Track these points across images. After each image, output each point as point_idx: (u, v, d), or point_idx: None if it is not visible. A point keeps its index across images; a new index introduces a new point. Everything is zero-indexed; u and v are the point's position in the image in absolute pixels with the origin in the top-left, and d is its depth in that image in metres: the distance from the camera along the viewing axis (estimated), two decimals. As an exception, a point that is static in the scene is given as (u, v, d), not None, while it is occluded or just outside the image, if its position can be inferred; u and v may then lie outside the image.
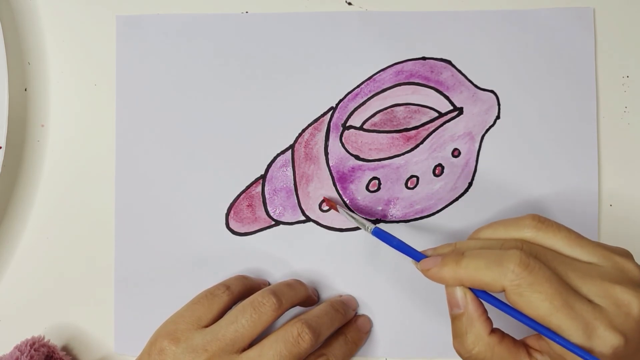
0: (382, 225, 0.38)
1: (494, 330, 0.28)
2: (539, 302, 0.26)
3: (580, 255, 0.28)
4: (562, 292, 0.26)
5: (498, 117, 0.38)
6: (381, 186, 0.38)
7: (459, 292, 0.28)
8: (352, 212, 0.37)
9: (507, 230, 0.29)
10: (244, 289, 0.35)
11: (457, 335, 0.29)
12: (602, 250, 0.28)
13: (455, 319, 0.29)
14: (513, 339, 0.29)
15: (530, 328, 0.27)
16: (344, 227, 0.38)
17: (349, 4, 0.39)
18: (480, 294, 0.28)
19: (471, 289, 0.28)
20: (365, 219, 0.37)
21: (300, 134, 0.38)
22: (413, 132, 0.38)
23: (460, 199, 0.38)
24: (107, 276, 0.38)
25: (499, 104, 0.38)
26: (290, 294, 0.34)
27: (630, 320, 0.26)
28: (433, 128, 0.38)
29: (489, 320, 0.28)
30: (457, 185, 0.38)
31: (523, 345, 0.28)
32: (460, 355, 0.29)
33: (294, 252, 0.38)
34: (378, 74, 0.38)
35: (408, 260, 0.31)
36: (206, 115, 0.38)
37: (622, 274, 0.27)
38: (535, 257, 0.27)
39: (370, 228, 0.33)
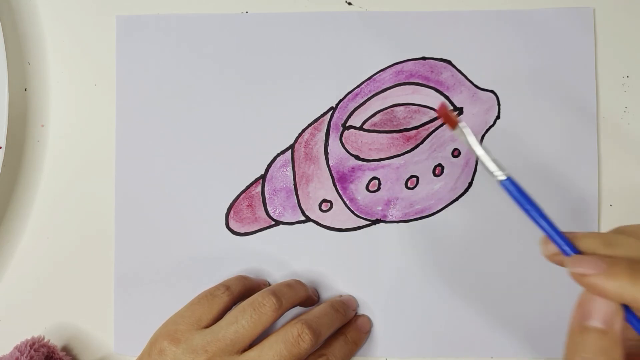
0: (382, 225, 0.38)
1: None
2: None
3: None
4: None
5: (498, 117, 0.38)
6: (381, 186, 0.38)
7: (610, 308, 0.22)
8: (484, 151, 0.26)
9: None
10: (244, 289, 0.35)
11: (585, 351, 0.22)
12: None
13: (591, 333, 0.22)
14: None
15: None
16: (343, 227, 0.38)
17: (349, 4, 0.39)
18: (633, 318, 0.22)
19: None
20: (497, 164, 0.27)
21: (300, 134, 0.38)
22: (413, 132, 0.38)
23: (460, 199, 0.38)
24: (107, 276, 0.38)
25: (499, 104, 0.38)
26: (290, 294, 0.34)
27: None
28: (433, 128, 0.38)
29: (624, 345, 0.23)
30: (457, 185, 0.38)
31: None
32: None
33: (294, 252, 0.38)
34: (378, 74, 0.38)
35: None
36: (206, 115, 0.38)
37: None
38: None
39: (502, 177, 0.25)
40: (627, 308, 0.22)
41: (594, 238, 0.23)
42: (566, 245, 0.23)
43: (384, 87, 0.38)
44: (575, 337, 0.23)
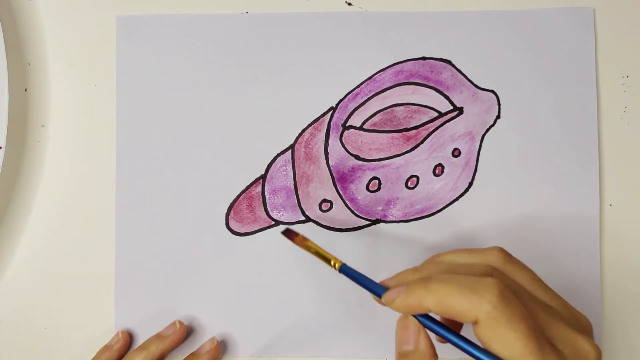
0: (382, 225, 0.38)
1: None
2: (512, 340, 0.24)
3: (542, 298, 0.27)
4: (536, 333, 0.24)
5: (498, 116, 0.38)
6: (381, 186, 0.38)
7: (412, 326, 0.27)
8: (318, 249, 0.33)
9: (473, 258, 0.28)
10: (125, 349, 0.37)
11: None
12: (561, 299, 0.27)
13: (403, 356, 0.27)
14: None
15: None
16: (344, 227, 0.38)
17: (349, 4, 0.39)
18: (439, 329, 0.27)
19: (425, 325, 0.27)
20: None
21: (300, 134, 0.38)
22: (413, 132, 0.38)
23: (460, 199, 0.38)
24: (108, 276, 0.38)
25: (499, 104, 0.38)
26: (156, 345, 0.36)
27: None
28: (433, 128, 0.38)
29: None
30: (458, 185, 0.38)
31: None
32: None
33: (293, 252, 0.38)
34: (378, 74, 0.38)
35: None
36: (206, 115, 0.38)
37: (579, 324, 0.27)
38: (512, 290, 0.26)
39: (338, 265, 0.31)
40: (429, 320, 0.27)
41: (404, 272, 0.29)
42: (380, 289, 0.28)
43: (384, 87, 0.38)
44: None
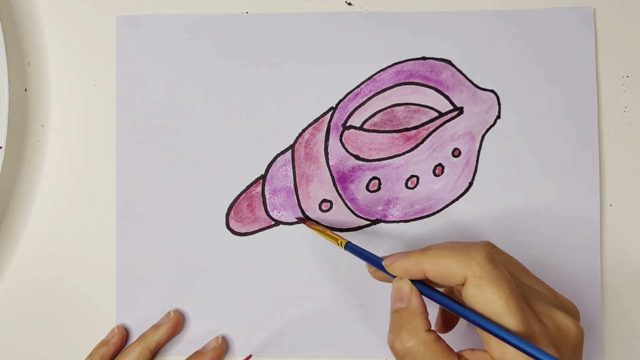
0: (382, 225, 0.38)
1: (430, 330, 0.28)
2: (495, 298, 0.26)
3: (528, 283, 0.29)
4: (518, 296, 0.26)
5: (498, 116, 0.38)
6: (381, 186, 0.38)
7: (405, 286, 0.29)
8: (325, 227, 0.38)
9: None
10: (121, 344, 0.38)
11: (394, 329, 0.28)
12: (546, 285, 0.30)
13: (396, 312, 0.29)
14: (448, 345, 0.28)
15: (477, 325, 0.26)
16: (344, 227, 0.38)
17: (349, 4, 0.39)
18: (430, 292, 0.28)
19: (420, 289, 0.29)
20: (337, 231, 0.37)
21: (300, 134, 0.38)
22: (413, 132, 0.38)
23: (460, 199, 0.38)
24: (108, 276, 0.38)
25: (499, 104, 0.38)
26: (152, 336, 0.37)
27: (566, 345, 0.27)
28: (433, 128, 0.38)
29: (428, 320, 0.28)
30: (458, 185, 0.38)
31: (457, 354, 0.28)
32: (393, 349, 0.28)
33: (294, 252, 0.38)
34: (378, 74, 0.38)
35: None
36: (206, 115, 0.38)
37: (564, 307, 0.29)
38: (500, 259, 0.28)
39: (343, 243, 0.34)
40: (422, 285, 0.29)
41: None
42: (381, 261, 0.30)
43: (384, 87, 0.38)
44: (390, 320, 0.29)
